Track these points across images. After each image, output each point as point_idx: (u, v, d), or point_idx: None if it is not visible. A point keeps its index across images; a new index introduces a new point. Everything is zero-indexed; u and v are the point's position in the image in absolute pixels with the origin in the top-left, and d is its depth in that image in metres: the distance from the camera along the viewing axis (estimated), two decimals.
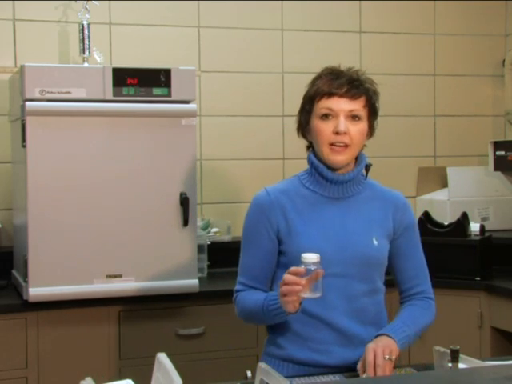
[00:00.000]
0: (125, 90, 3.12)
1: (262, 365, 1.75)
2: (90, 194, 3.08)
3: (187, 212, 3.16)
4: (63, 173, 3.06)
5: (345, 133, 2.11)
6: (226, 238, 3.80)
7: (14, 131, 3.31)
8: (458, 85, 4.36)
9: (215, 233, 3.80)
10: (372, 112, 2.19)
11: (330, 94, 2.12)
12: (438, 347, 1.90)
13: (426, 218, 3.63)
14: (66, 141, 3.06)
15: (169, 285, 3.19)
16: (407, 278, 2.27)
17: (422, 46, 4.31)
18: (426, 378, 1.73)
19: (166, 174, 3.17)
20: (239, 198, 3.91)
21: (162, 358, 1.62)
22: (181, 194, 3.18)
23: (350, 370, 2.11)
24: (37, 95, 3.02)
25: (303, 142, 2.28)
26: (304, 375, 2.11)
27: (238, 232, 3.75)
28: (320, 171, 2.17)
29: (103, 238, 3.10)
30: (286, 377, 1.73)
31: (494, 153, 3.98)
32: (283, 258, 2.18)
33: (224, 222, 3.84)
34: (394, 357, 2.03)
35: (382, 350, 2.01)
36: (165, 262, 3.18)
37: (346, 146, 2.12)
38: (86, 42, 3.45)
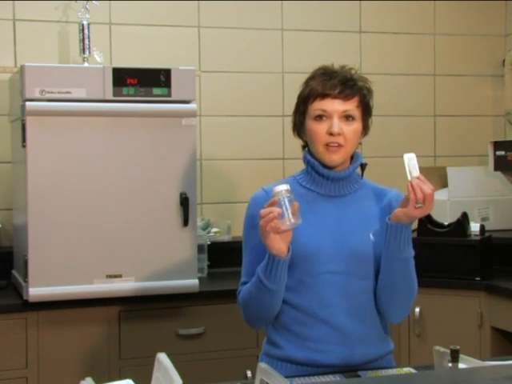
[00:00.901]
0: (125, 90, 3.12)
1: (262, 365, 1.75)
2: (89, 194, 3.08)
3: (187, 212, 3.16)
4: (63, 173, 3.06)
5: (339, 134, 2.12)
6: (226, 237, 3.80)
7: (14, 131, 3.31)
8: (458, 85, 4.36)
9: (215, 233, 3.80)
10: (366, 111, 2.19)
11: (324, 95, 2.13)
12: (437, 347, 1.90)
13: (426, 218, 3.62)
14: (66, 141, 3.06)
15: (169, 285, 3.19)
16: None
17: (421, 46, 4.31)
18: (426, 378, 1.73)
19: (166, 174, 3.17)
20: (239, 198, 3.91)
21: (162, 358, 1.62)
22: (181, 194, 3.18)
23: (349, 369, 2.11)
24: (37, 95, 3.02)
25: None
26: (303, 375, 2.11)
27: (237, 232, 3.75)
28: (316, 169, 2.19)
29: (103, 237, 3.10)
30: (286, 377, 1.73)
31: (494, 153, 3.97)
32: None
33: (224, 222, 3.84)
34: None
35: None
36: (165, 262, 3.18)
37: (340, 145, 2.14)
38: (86, 42, 3.46)
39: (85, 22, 3.47)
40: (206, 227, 3.76)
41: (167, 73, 3.17)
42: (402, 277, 2.14)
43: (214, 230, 3.81)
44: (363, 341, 2.13)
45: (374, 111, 2.24)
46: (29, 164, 3.02)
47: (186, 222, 3.18)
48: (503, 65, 4.31)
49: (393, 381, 1.74)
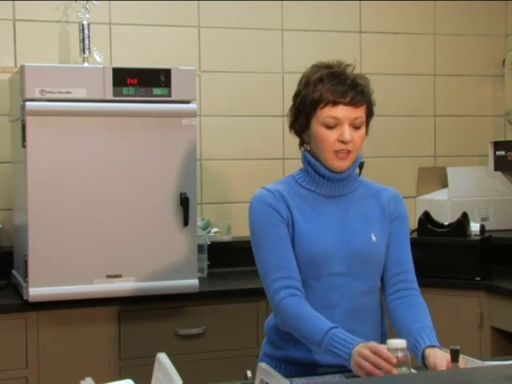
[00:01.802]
0: (125, 90, 3.12)
1: (262, 365, 1.75)
2: (89, 193, 3.08)
3: (187, 212, 3.16)
4: (63, 173, 3.06)
5: (350, 141, 2.12)
6: (226, 238, 3.80)
7: (14, 131, 3.31)
8: (458, 85, 4.36)
9: (215, 233, 3.80)
10: (370, 114, 2.20)
11: (335, 102, 2.11)
12: None
13: (426, 218, 3.63)
14: (66, 141, 3.06)
15: (169, 285, 3.19)
16: (393, 264, 2.22)
17: (421, 46, 4.31)
18: (426, 378, 1.73)
19: (166, 174, 3.17)
20: (239, 198, 3.90)
21: (162, 358, 1.62)
22: (181, 194, 3.18)
23: (349, 369, 2.11)
24: (37, 95, 3.02)
25: None
26: (303, 375, 2.10)
27: (237, 232, 3.77)
28: (317, 169, 2.18)
29: (103, 238, 3.10)
30: (285, 377, 1.73)
31: (494, 153, 3.97)
32: None
33: (224, 222, 3.84)
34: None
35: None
36: (165, 262, 3.18)
37: (349, 152, 2.14)
38: (86, 42, 3.46)
39: (85, 22, 3.47)
40: (206, 227, 3.76)
41: (167, 73, 3.17)
42: None
43: (214, 230, 3.81)
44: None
45: (374, 111, 2.24)
46: (29, 164, 3.02)
47: (186, 222, 3.17)
48: (503, 65, 4.31)
49: (393, 381, 1.74)
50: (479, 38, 4.39)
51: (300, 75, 2.25)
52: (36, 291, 3.03)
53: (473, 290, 3.46)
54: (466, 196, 4.03)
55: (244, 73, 4.01)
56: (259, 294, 2.46)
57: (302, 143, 2.26)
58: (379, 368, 1.87)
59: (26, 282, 3.05)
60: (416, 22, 4.29)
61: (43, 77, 3.03)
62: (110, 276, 3.12)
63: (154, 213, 3.16)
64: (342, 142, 2.12)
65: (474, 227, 3.61)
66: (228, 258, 3.71)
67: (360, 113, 2.14)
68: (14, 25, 3.66)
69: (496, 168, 3.99)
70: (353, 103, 2.12)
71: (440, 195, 4.11)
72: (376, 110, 2.23)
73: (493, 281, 3.48)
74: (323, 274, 2.12)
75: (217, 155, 3.95)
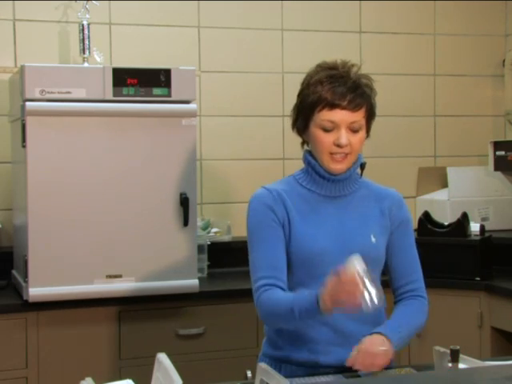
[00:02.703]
0: (125, 90, 3.12)
1: (262, 365, 1.75)
2: (89, 194, 3.08)
3: (187, 212, 3.16)
4: (63, 173, 3.06)
5: (346, 145, 2.12)
6: (226, 237, 3.80)
7: (14, 131, 3.31)
8: (458, 85, 4.36)
9: (215, 233, 3.80)
10: (370, 116, 2.19)
11: (333, 105, 2.11)
12: (437, 347, 1.90)
13: (426, 218, 3.63)
14: (66, 141, 3.06)
15: (169, 285, 3.19)
16: (401, 275, 2.25)
17: (421, 46, 4.31)
18: (426, 378, 1.73)
19: (166, 174, 3.17)
20: (239, 198, 3.90)
21: (162, 358, 1.62)
22: (181, 194, 3.18)
23: (348, 369, 2.11)
24: (37, 95, 3.02)
25: None
26: (303, 375, 2.10)
27: (237, 232, 3.77)
28: (317, 170, 2.18)
29: (103, 238, 3.10)
30: (285, 377, 1.73)
31: (494, 153, 3.98)
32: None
33: (224, 222, 3.84)
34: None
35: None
36: (165, 262, 3.18)
37: (346, 155, 2.14)
38: (86, 42, 3.46)
39: (85, 22, 3.47)
40: (206, 227, 3.76)
41: (167, 73, 3.17)
42: None
43: (214, 229, 3.81)
44: None
45: (376, 112, 2.23)
46: (29, 164, 3.02)
47: (185, 222, 3.18)
48: (503, 65, 4.31)
49: (393, 381, 1.74)
50: (479, 38, 4.39)
51: (300, 75, 2.24)
52: (36, 291, 3.03)
53: (473, 290, 3.46)
54: (466, 196, 4.03)
55: (244, 73, 4.01)
56: None
57: (303, 142, 2.26)
58: (349, 292, 1.88)
59: (26, 282, 3.05)
60: (416, 22, 4.29)
61: (43, 77, 3.03)
62: (109, 276, 3.12)
63: (154, 213, 3.16)
64: (338, 145, 2.12)
65: (474, 227, 3.61)
66: (228, 258, 3.70)
67: (358, 117, 2.13)
68: (14, 25, 3.66)
69: (496, 168, 3.99)
70: (350, 107, 2.11)
71: (440, 195, 4.11)
72: (376, 110, 2.23)
73: (493, 281, 3.48)
74: (320, 274, 2.11)
75: (217, 155, 3.95)
